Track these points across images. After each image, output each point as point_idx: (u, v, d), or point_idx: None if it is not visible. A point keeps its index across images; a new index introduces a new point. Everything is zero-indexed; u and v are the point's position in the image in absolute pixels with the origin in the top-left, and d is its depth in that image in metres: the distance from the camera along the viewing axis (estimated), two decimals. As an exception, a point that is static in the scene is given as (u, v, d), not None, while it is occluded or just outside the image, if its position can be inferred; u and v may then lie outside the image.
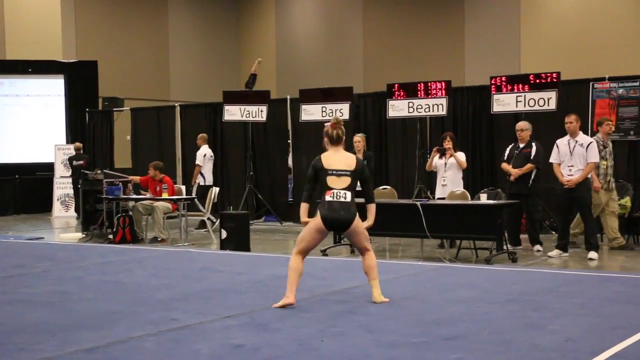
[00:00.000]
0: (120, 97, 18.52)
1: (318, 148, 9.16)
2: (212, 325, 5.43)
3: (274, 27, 22.95)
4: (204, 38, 22.89)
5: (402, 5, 20.33)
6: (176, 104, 16.86)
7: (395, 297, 6.26)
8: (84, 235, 12.32)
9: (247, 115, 14.38)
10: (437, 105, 12.31)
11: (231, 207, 13.25)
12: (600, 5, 17.56)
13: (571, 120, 9.33)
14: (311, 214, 6.22)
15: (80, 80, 18.58)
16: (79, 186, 13.06)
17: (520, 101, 11.65)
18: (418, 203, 9.25)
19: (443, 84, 12.33)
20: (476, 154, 12.68)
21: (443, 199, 10.08)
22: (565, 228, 9.51)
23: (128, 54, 20.72)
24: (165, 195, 11.71)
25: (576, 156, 9.21)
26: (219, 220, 11.06)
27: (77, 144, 16.61)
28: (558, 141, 9.48)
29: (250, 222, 11.84)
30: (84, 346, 4.84)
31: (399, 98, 12.69)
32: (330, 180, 6.09)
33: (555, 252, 9.36)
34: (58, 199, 17.11)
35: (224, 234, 10.32)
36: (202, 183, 13.64)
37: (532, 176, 9.80)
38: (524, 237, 10.14)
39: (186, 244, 11.30)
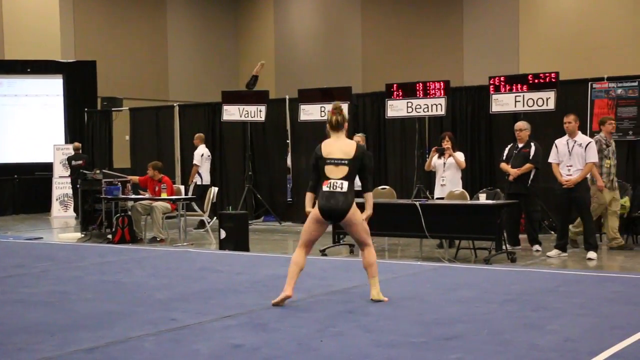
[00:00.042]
0: (119, 97, 18.51)
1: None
2: (211, 325, 5.43)
3: (273, 27, 22.93)
4: (203, 38, 22.88)
5: (401, 5, 20.31)
6: (175, 104, 16.85)
7: (394, 297, 6.25)
8: (83, 235, 12.32)
9: (246, 115, 14.38)
10: (436, 105, 12.32)
11: (230, 207, 13.24)
12: (599, 5, 17.56)
13: (570, 120, 9.34)
14: None
15: (79, 80, 18.57)
16: (78, 186, 13.07)
17: (519, 101, 11.66)
18: (417, 203, 9.26)
19: (442, 84, 12.33)
20: (475, 154, 12.69)
21: (442, 199, 10.08)
22: (564, 228, 9.51)
23: (127, 54, 20.70)
24: (164, 195, 11.71)
25: (575, 156, 9.22)
26: (214, 219, 11.04)
27: (76, 143, 16.59)
28: (557, 141, 9.49)
29: (249, 222, 11.84)
30: (83, 346, 4.84)
31: (397, 98, 12.69)
32: (328, 170, 6.02)
33: (554, 252, 9.36)
34: (57, 199, 17.10)
35: (223, 234, 10.31)
36: (199, 183, 13.64)
37: (531, 176, 9.81)
38: (523, 237, 10.15)
39: (185, 243, 11.31)
